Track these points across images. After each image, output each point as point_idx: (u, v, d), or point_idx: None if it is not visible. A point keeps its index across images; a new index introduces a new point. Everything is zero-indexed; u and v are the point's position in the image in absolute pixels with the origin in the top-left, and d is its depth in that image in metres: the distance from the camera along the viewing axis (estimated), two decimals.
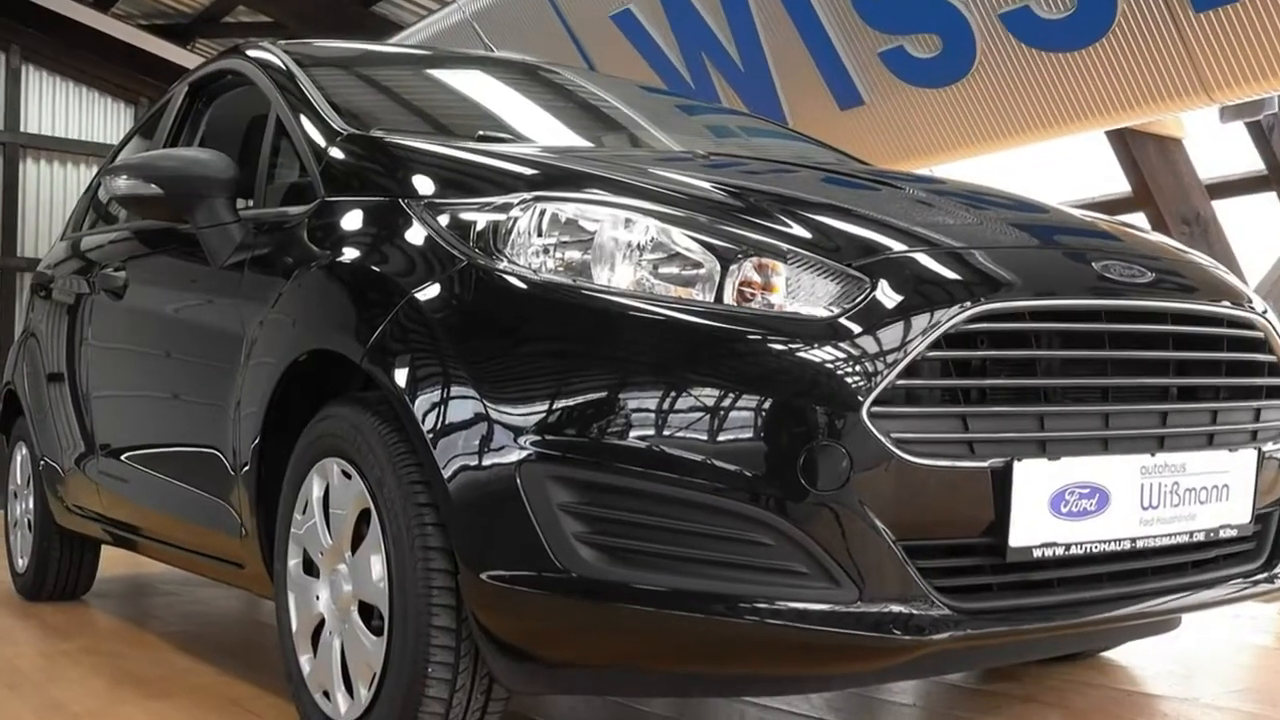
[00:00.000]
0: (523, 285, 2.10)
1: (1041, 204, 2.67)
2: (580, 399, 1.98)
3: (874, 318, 1.96)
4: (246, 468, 2.69)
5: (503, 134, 2.91)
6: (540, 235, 2.15)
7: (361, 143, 2.74)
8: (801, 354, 1.94)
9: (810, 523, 1.90)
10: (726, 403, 1.93)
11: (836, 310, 1.98)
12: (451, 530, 2.10)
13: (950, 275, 2.06)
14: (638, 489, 1.94)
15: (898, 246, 2.12)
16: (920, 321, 1.96)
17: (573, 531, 1.96)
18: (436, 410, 2.10)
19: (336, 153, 2.74)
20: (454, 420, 2.07)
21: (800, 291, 2.01)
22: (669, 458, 1.93)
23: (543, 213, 2.16)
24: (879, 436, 1.90)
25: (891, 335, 1.95)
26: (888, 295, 1.99)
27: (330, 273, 2.49)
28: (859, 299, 1.99)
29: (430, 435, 2.09)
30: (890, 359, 1.93)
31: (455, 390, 2.09)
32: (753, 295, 2.02)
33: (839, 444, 1.89)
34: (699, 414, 1.93)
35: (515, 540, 2.00)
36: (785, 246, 2.06)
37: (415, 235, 2.32)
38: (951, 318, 1.97)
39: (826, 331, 1.95)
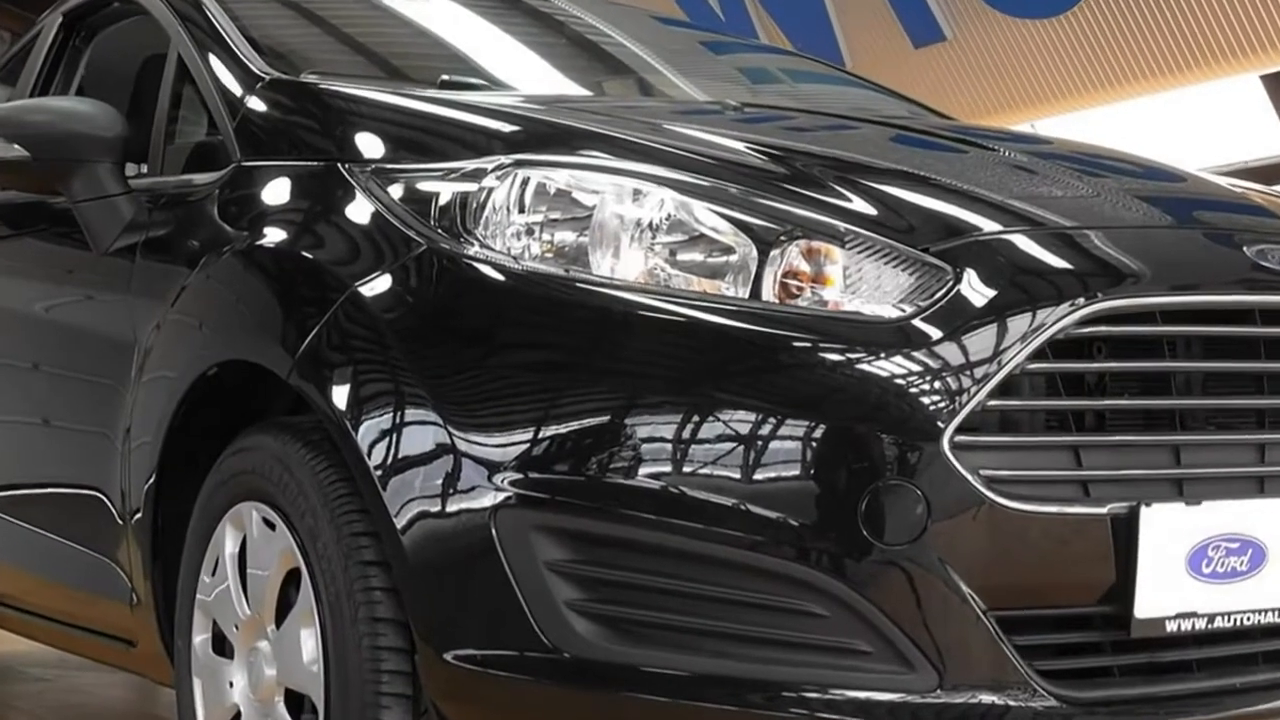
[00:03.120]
0: (500, 276, 2.11)
1: (1177, 171, 2.68)
2: (574, 425, 1.99)
3: (958, 319, 1.97)
4: (138, 515, 2.70)
5: (474, 79, 2.91)
6: (523, 211, 2.15)
7: (289, 90, 2.75)
8: (863, 366, 1.94)
9: (875, 587, 1.90)
10: (765, 430, 1.93)
11: (909, 309, 1.99)
12: (406, 597, 2.10)
13: (1058, 263, 2.07)
14: (649, 543, 1.94)
15: (989, 226, 2.13)
16: (1019, 324, 1.96)
17: (565, 599, 1.97)
18: (387, 440, 2.10)
19: (257, 103, 2.74)
20: (410, 453, 2.08)
21: (862, 285, 2.02)
22: (690, 502, 1.93)
23: (526, 182, 2.17)
24: (964, 474, 1.90)
25: (981, 342, 1.95)
26: (976, 290, 2.00)
27: (248, 260, 2.50)
28: (938, 294, 2.00)
29: (379, 473, 2.09)
30: (979, 373, 1.93)
31: (412, 414, 2.09)
32: (800, 289, 2.02)
33: (912, 484, 1.90)
34: (729, 444, 1.93)
35: (490, 610, 2.00)
36: (843, 226, 2.06)
37: (359, 211, 2.33)
38: (1059, 319, 1.97)
39: (896, 337, 1.96)
